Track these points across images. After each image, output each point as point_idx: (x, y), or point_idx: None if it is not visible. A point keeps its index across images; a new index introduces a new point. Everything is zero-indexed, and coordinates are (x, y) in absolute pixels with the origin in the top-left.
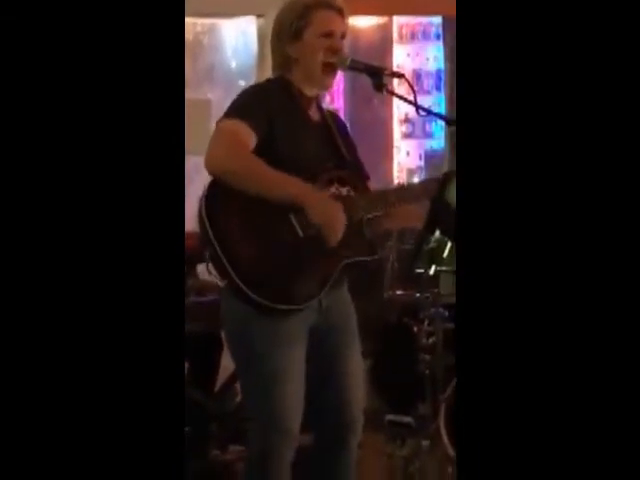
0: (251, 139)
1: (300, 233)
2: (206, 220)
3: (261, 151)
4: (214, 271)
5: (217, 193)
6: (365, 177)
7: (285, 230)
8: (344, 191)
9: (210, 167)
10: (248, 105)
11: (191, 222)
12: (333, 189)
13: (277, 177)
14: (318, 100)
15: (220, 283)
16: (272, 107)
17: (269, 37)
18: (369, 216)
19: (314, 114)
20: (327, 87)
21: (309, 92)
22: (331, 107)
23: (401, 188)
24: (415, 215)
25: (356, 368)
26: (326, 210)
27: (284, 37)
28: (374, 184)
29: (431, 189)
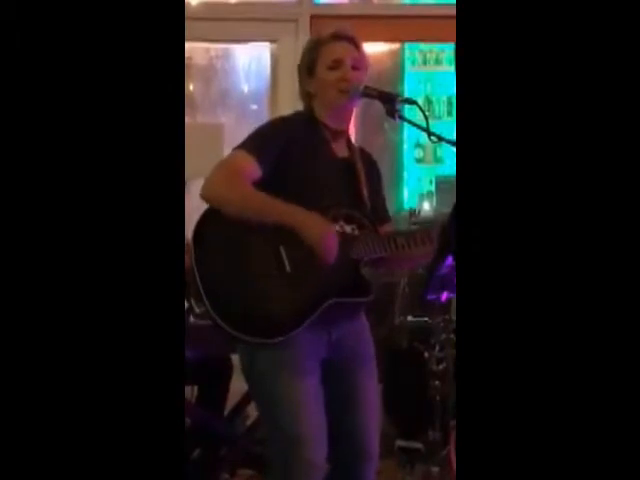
0: (254, 171)
1: (287, 267)
2: (192, 251)
3: (269, 184)
4: (192, 298)
5: (207, 224)
6: (384, 219)
7: (272, 263)
8: (348, 229)
9: (204, 192)
10: (258, 139)
11: None
12: (337, 226)
13: (269, 201)
14: (348, 136)
15: (197, 309)
16: (288, 143)
17: (282, 63)
18: (373, 257)
19: (340, 150)
20: (353, 105)
21: (334, 125)
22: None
23: (412, 233)
24: (422, 259)
25: (371, 399)
26: (317, 228)
27: (301, 74)
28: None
29: (443, 234)
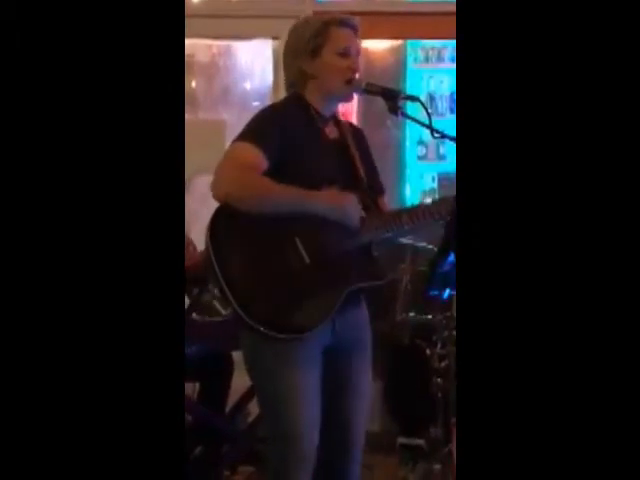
0: (261, 163)
1: (306, 259)
2: (210, 249)
3: (273, 173)
4: (217, 301)
5: (222, 221)
6: (380, 191)
7: (291, 257)
8: None
9: (216, 192)
10: (262, 129)
11: (203, 242)
12: None
13: (284, 190)
14: (336, 116)
15: (223, 312)
16: (287, 130)
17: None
18: (382, 238)
19: (331, 132)
20: (349, 100)
21: (325, 111)
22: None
23: (414, 209)
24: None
25: (363, 393)
26: (337, 199)
27: (301, 54)
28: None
29: (445, 208)
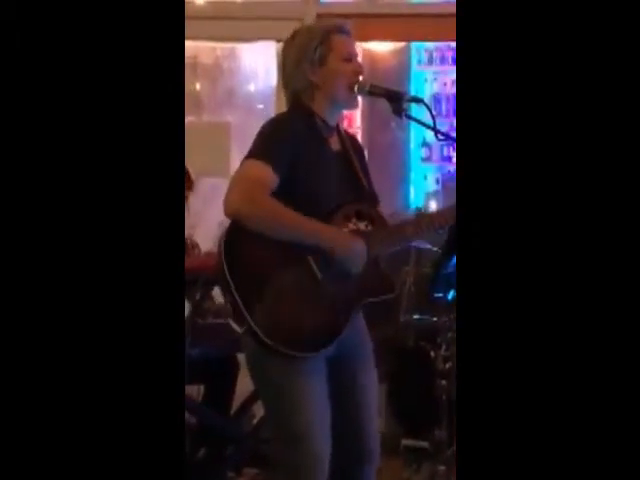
0: (272, 180)
1: (318, 275)
2: (225, 266)
3: (282, 191)
4: (232, 319)
5: (236, 237)
6: (376, 201)
7: (303, 273)
8: (362, 226)
9: (228, 210)
10: (271, 145)
11: (206, 244)
12: (351, 225)
13: (295, 219)
14: (339, 128)
15: (238, 330)
16: (295, 144)
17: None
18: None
19: (335, 144)
20: (354, 107)
21: (330, 120)
22: (349, 131)
23: (417, 220)
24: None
25: (372, 398)
26: (346, 243)
27: (306, 63)
28: (391, 208)
29: (446, 217)
